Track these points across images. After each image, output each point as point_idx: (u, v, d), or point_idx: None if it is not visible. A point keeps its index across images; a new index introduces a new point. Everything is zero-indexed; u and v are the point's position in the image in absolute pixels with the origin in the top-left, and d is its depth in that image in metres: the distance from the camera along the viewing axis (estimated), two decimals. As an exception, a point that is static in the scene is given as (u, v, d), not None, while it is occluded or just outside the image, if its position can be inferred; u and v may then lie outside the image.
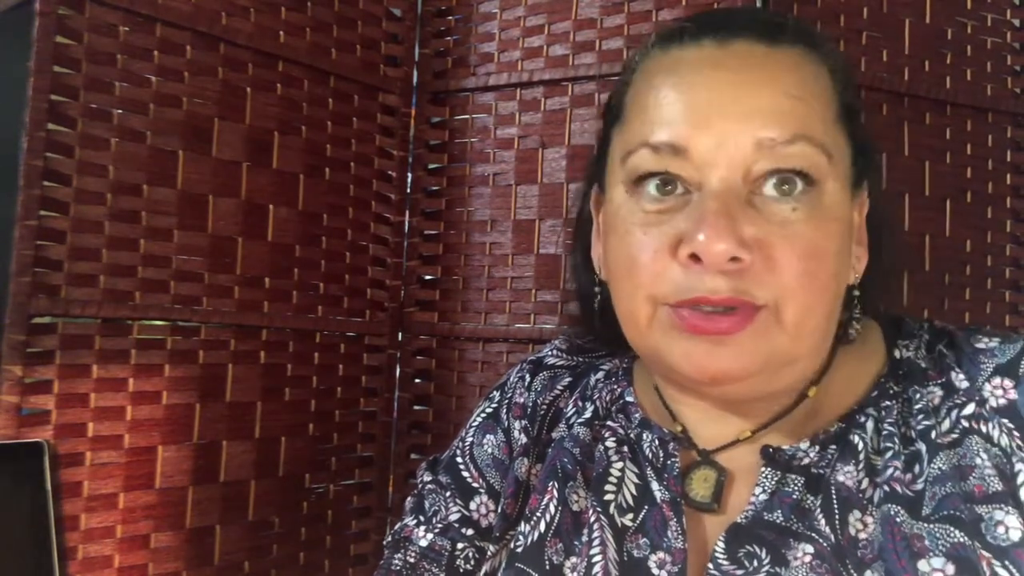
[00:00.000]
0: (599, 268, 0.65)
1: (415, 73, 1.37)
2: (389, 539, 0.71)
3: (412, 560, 0.67)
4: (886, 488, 0.52)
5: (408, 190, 1.36)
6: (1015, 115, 1.27)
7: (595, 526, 0.60)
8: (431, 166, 1.37)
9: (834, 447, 0.56)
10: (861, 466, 0.54)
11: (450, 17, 1.37)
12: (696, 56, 0.56)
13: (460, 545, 0.67)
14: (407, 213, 1.36)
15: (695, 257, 0.51)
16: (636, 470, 0.62)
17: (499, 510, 0.67)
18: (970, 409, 0.54)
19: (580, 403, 0.69)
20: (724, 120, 0.52)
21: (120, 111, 1.05)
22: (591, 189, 0.67)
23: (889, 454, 0.54)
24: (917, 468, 0.53)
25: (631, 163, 0.56)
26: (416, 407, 1.35)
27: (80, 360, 1.01)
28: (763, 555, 0.53)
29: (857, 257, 0.59)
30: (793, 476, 0.56)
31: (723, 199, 0.52)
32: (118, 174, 1.04)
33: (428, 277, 1.36)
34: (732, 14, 0.59)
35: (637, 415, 0.65)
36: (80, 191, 1.01)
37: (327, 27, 1.27)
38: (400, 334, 1.36)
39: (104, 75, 1.03)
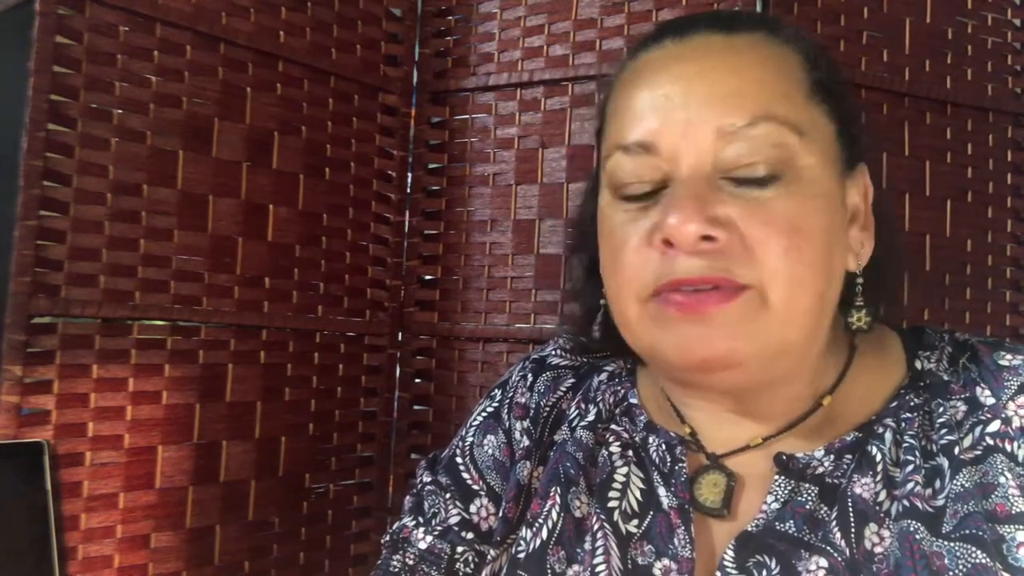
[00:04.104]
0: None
1: (415, 73, 1.37)
2: (387, 539, 0.70)
3: (411, 562, 0.67)
4: (905, 503, 0.51)
5: (408, 190, 1.36)
6: (1016, 115, 1.27)
7: (598, 533, 0.59)
8: (431, 166, 1.37)
9: (850, 456, 0.55)
10: (879, 478, 0.53)
11: (450, 17, 1.37)
12: (659, 54, 0.57)
13: (460, 549, 0.67)
14: (407, 213, 1.36)
15: (668, 242, 0.52)
16: (642, 475, 0.61)
17: (500, 514, 0.66)
18: (995, 426, 0.53)
19: (583, 405, 0.69)
20: (685, 110, 0.53)
21: (120, 111, 1.05)
22: (593, 209, 0.67)
23: (909, 467, 0.53)
24: (938, 483, 0.52)
25: (608, 167, 0.57)
26: (416, 407, 1.35)
27: (80, 360, 1.01)
28: (773, 565, 0.52)
29: (861, 243, 0.58)
30: (807, 485, 0.55)
31: (691, 183, 0.52)
32: (118, 174, 1.04)
33: (428, 277, 1.36)
34: (693, 15, 0.61)
35: (642, 418, 0.64)
36: (80, 191, 1.01)
37: (327, 27, 1.27)
38: (400, 334, 1.36)
39: (104, 75, 1.03)
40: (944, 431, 0.54)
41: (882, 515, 0.52)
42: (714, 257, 0.51)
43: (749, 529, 0.54)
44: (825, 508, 0.54)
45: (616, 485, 0.61)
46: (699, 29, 0.57)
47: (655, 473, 0.61)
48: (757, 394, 0.57)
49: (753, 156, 0.52)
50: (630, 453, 0.63)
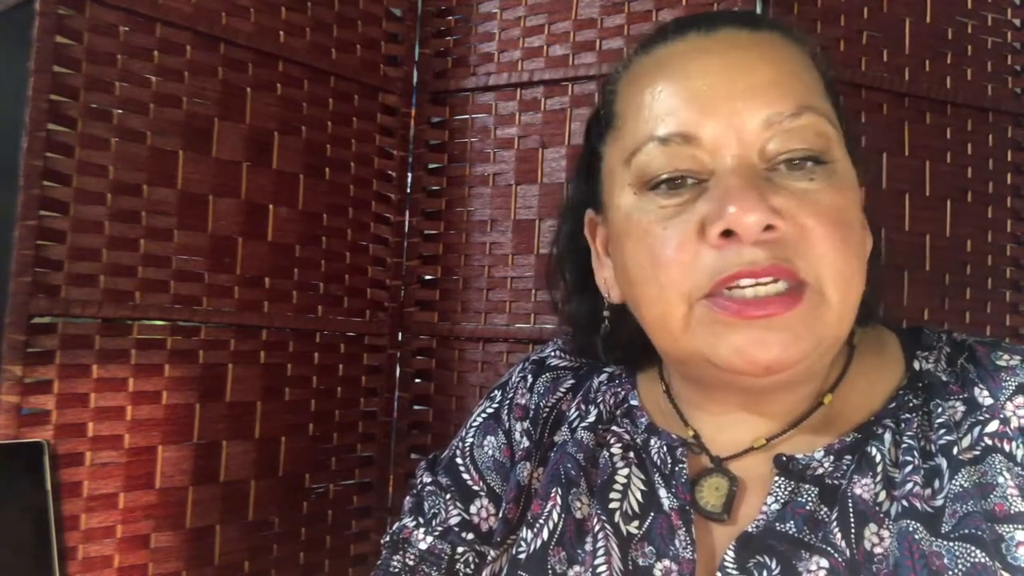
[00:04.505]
0: (607, 292, 0.63)
1: (415, 73, 1.37)
2: (387, 539, 0.70)
3: (411, 563, 0.67)
4: (904, 503, 0.51)
5: (408, 190, 1.36)
6: (1016, 115, 1.27)
7: (599, 534, 0.59)
8: (431, 166, 1.37)
9: (850, 458, 0.55)
10: (879, 478, 0.53)
11: (450, 17, 1.37)
12: (684, 47, 0.56)
13: (460, 549, 0.67)
14: (407, 213, 1.36)
15: (727, 234, 0.50)
16: (643, 476, 0.61)
17: (500, 514, 0.66)
18: (993, 427, 0.53)
19: (583, 406, 0.68)
20: (729, 101, 0.52)
21: (120, 111, 1.05)
22: (576, 219, 0.67)
23: (908, 468, 0.52)
24: (937, 484, 0.52)
25: (638, 161, 0.55)
26: (416, 407, 1.35)
27: (80, 360, 1.01)
28: (773, 566, 0.52)
29: (864, 241, 0.58)
30: (807, 486, 0.55)
31: (743, 174, 0.51)
32: (118, 174, 1.04)
33: (428, 277, 1.36)
34: (709, 12, 0.61)
35: (643, 420, 0.64)
36: (80, 191, 1.01)
37: (327, 27, 1.27)
38: (400, 334, 1.36)
39: (104, 75, 1.03)
40: (943, 431, 0.54)
41: (882, 515, 0.52)
42: (776, 247, 0.50)
43: (749, 530, 0.54)
44: (825, 509, 0.54)
45: (617, 486, 0.61)
46: (723, 24, 0.57)
47: (656, 475, 0.61)
48: (780, 391, 0.56)
49: (799, 145, 0.52)
50: (631, 455, 0.63)
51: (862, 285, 0.53)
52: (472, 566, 0.66)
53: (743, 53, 0.54)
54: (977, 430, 0.53)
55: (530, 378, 0.72)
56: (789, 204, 0.51)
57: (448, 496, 0.69)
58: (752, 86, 0.52)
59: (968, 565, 0.48)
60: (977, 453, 0.52)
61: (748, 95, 0.52)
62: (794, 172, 0.52)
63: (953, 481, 0.51)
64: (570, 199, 0.70)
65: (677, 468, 0.59)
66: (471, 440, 0.72)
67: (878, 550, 0.51)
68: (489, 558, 0.64)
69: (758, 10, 1.15)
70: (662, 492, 0.59)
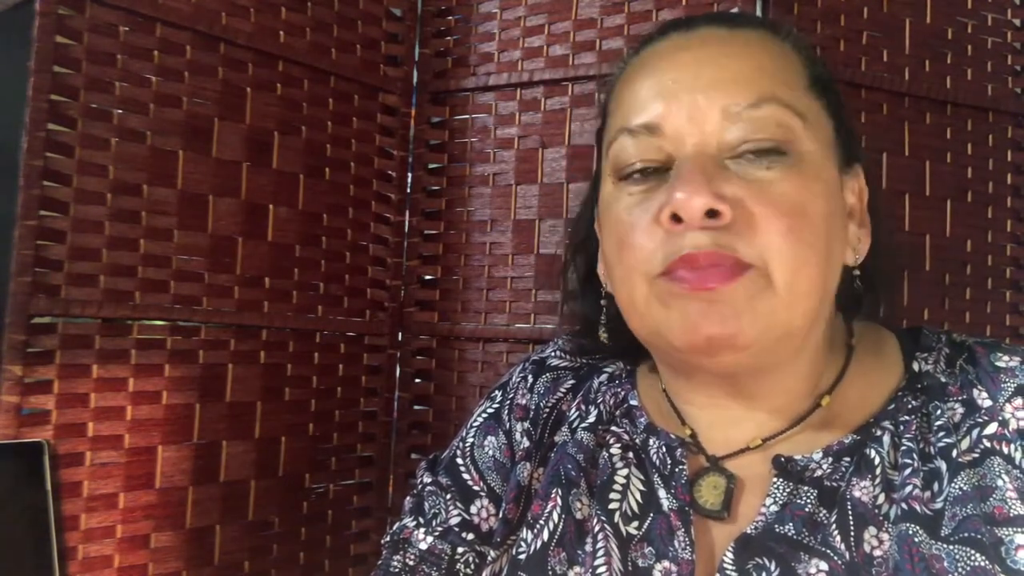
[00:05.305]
0: (606, 282, 0.65)
1: (415, 73, 1.37)
2: (388, 539, 0.70)
3: (411, 563, 0.67)
4: (904, 506, 0.51)
5: (408, 190, 1.36)
6: (1016, 115, 1.27)
7: (599, 535, 0.59)
8: (431, 166, 1.37)
9: (848, 459, 0.55)
10: (878, 481, 0.53)
11: (450, 17, 1.37)
12: (664, 46, 0.59)
13: (460, 549, 0.67)
14: (407, 213, 1.36)
15: (676, 218, 0.52)
16: (642, 477, 0.61)
17: (500, 515, 0.66)
18: (992, 429, 0.53)
19: (583, 407, 0.69)
20: (691, 93, 0.54)
21: (120, 111, 1.05)
22: (591, 215, 0.68)
23: (908, 470, 0.53)
24: (936, 486, 0.52)
25: (612, 152, 0.58)
26: (416, 407, 1.35)
27: (80, 360, 1.01)
28: (772, 568, 0.52)
29: (858, 238, 0.59)
30: (806, 488, 0.55)
31: (697, 160, 0.53)
32: (118, 174, 1.04)
33: (428, 277, 1.36)
34: (695, 15, 0.63)
35: (642, 420, 0.64)
36: (80, 191, 1.01)
37: (327, 27, 1.27)
38: (400, 334, 1.36)
39: (104, 75, 1.03)
40: (942, 434, 0.54)
41: (881, 518, 0.52)
42: (721, 234, 0.51)
43: (748, 531, 0.54)
44: (824, 511, 0.54)
45: (617, 487, 0.61)
46: (704, 24, 0.59)
47: (655, 475, 0.61)
48: (757, 381, 0.57)
49: (757, 135, 0.53)
50: (630, 455, 0.63)
51: (819, 277, 0.53)
52: (472, 566, 0.66)
53: (714, 49, 0.56)
54: (976, 432, 0.53)
55: (530, 378, 0.72)
56: (740, 192, 0.52)
57: (448, 496, 0.69)
58: (715, 79, 0.54)
59: (968, 568, 0.48)
60: (976, 455, 0.52)
61: (709, 88, 0.54)
62: (755, 162, 0.53)
63: (952, 484, 0.51)
64: (587, 196, 0.72)
65: (676, 469, 0.60)
66: (471, 440, 0.72)
67: (877, 553, 0.51)
68: (489, 558, 0.65)
69: (758, 11, 1.15)
70: (661, 493, 0.59)
